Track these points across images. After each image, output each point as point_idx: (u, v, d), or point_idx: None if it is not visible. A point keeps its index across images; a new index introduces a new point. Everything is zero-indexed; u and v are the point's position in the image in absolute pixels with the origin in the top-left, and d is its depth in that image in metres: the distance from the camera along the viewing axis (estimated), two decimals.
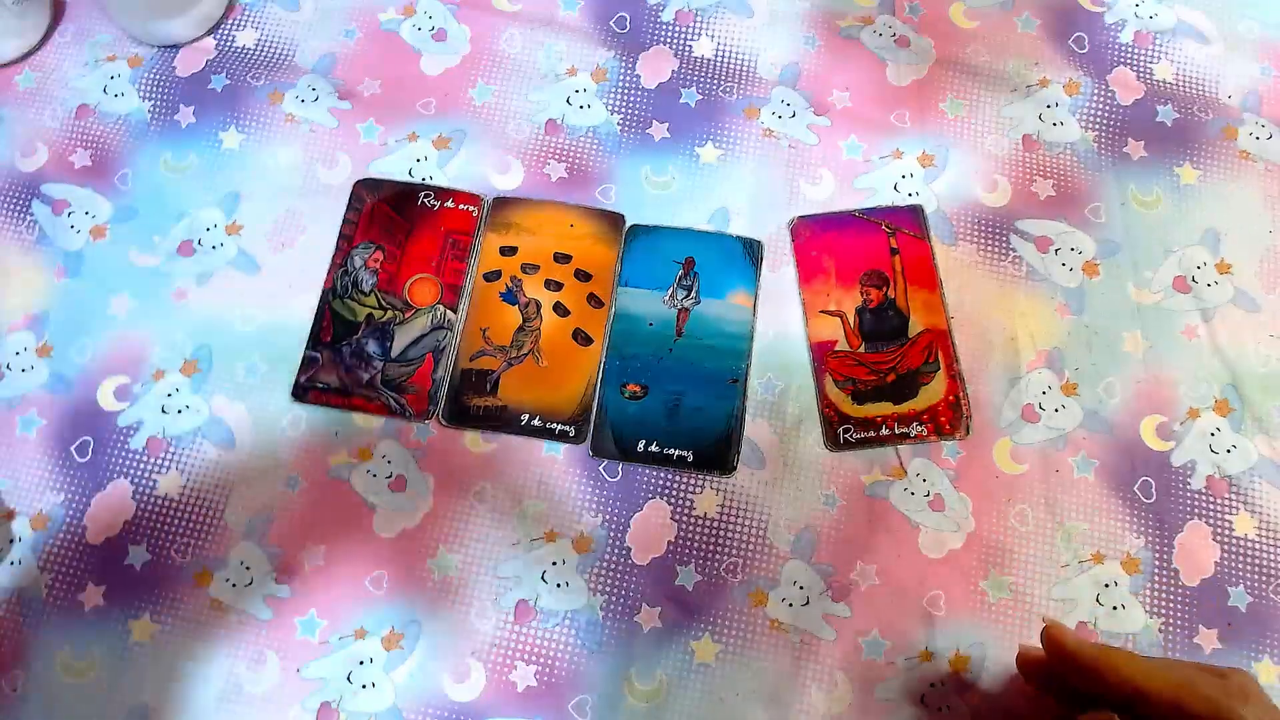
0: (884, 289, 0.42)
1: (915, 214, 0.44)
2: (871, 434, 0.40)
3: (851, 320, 0.42)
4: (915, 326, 0.42)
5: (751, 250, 0.44)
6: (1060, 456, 0.41)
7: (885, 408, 0.41)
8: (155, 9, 0.46)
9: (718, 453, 0.40)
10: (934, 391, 0.41)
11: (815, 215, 0.44)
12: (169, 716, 0.37)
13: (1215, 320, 0.43)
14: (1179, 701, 0.30)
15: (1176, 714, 0.30)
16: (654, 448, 0.40)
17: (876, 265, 0.43)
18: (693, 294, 0.43)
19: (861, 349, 0.42)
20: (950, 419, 0.40)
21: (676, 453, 0.40)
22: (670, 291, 0.43)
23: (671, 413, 0.41)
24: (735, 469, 0.40)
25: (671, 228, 0.44)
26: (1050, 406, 0.41)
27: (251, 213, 0.45)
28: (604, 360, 0.42)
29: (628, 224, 0.44)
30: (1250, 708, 0.30)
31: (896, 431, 0.40)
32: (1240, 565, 0.39)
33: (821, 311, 0.42)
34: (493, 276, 0.43)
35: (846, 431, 0.40)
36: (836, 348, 0.42)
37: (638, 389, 0.41)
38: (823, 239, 0.43)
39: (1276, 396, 0.41)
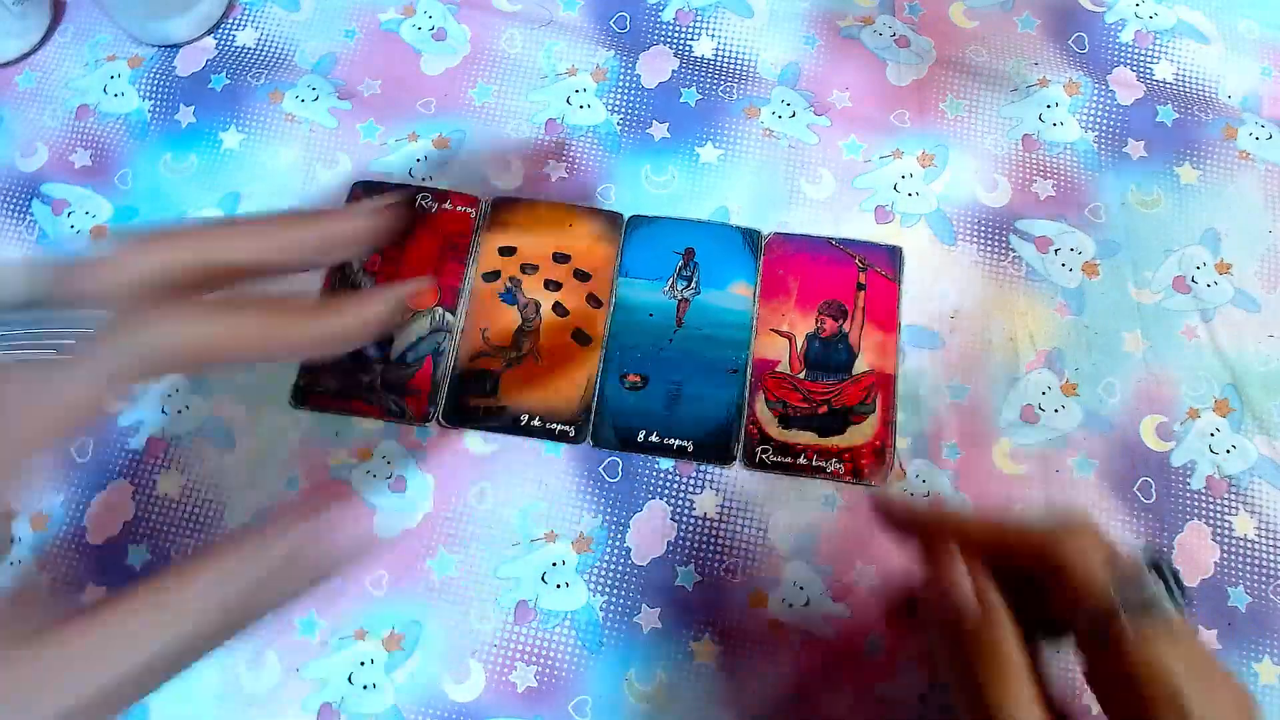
0: (840, 321, 0.42)
1: (892, 255, 0.43)
2: (789, 460, 0.40)
3: (800, 345, 0.42)
4: (861, 365, 0.41)
5: (752, 240, 0.43)
6: (1060, 457, 0.40)
7: (809, 438, 0.40)
8: (155, 9, 0.46)
9: (718, 442, 0.40)
10: (862, 432, 0.40)
11: (792, 234, 0.44)
12: (167, 715, 0.37)
13: (1215, 320, 0.43)
14: (998, 535, 0.31)
15: (998, 546, 0.30)
16: (654, 438, 0.40)
17: (839, 296, 0.42)
18: (693, 284, 0.43)
19: (802, 375, 0.41)
20: (871, 464, 0.40)
21: (677, 443, 0.40)
22: (670, 282, 0.43)
23: (672, 403, 0.41)
24: (736, 459, 0.40)
25: (671, 218, 0.44)
26: (1050, 407, 0.41)
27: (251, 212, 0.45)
28: (604, 351, 0.41)
29: (626, 216, 0.44)
30: (1076, 538, 0.29)
31: (814, 464, 0.40)
32: (1240, 565, 0.39)
33: (772, 329, 0.42)
34: (491, 277, 0.43)
35: (764, 452, 0.40)
36: (777, 368, 0.41)
37: (638, 379, 0.41)
38: (794, 260, 0.43)
39: (1276, 396, 0.41)
